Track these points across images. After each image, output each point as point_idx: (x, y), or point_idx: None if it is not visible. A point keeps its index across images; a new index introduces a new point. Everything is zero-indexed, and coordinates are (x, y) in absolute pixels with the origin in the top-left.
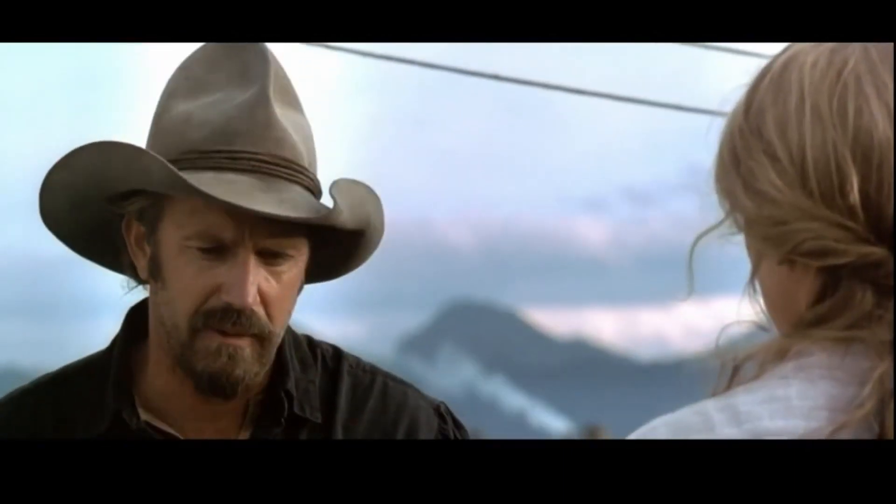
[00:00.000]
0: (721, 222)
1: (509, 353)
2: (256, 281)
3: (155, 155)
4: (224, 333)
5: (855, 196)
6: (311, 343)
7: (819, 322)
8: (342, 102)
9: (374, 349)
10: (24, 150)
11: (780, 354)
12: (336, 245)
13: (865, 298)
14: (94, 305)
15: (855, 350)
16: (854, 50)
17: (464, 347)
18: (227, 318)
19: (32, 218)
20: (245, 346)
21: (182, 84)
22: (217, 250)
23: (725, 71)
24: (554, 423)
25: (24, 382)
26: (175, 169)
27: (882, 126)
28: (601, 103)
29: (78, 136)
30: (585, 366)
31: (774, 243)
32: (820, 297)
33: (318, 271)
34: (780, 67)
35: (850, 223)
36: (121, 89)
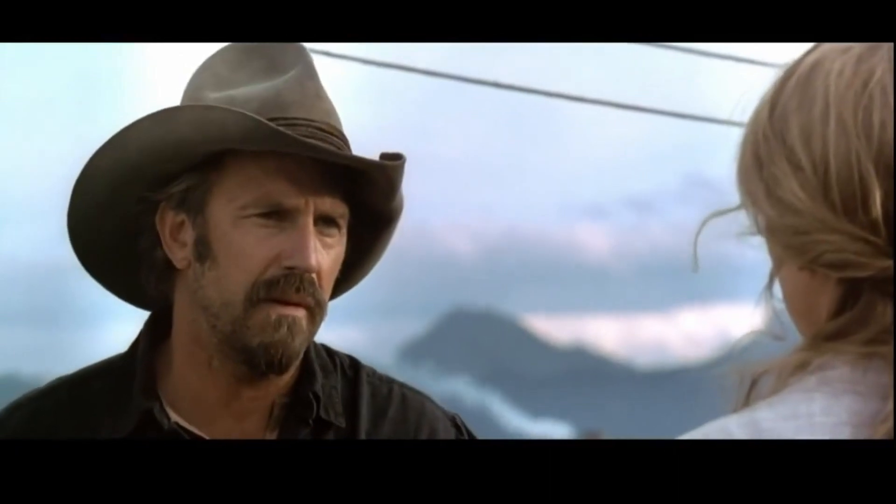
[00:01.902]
0: (736, 208)
1: (509, 360)
2: (316, 248)
3: (227, 107)
4: (283, 303)
5: (878, 210)
6: (329, 351)
7: (839, 335)
8: (342, 110)
9: (374, 357)
10: (28, 156)
11: (801, 367)
12: (363, 232)
13: (886, 313)
14: (98, 313)
15: (876, 365)
16: (882, 58)
17: (464, 355)
18: (289, 284)
19: (36, 223)
20: (302, 316)
21: (209, 80)
22: (276, 216)
23: (726, 79)
24: (554, 431)
25: (25, 390)
26: (255, 116)
27: None
28: (602, 111)
29: (78, 138)
30: (586, 373)
31: (795, 252)
32: (840, 309)
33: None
34: (807, 71)
35: (871, 237)
36: (121, 89)
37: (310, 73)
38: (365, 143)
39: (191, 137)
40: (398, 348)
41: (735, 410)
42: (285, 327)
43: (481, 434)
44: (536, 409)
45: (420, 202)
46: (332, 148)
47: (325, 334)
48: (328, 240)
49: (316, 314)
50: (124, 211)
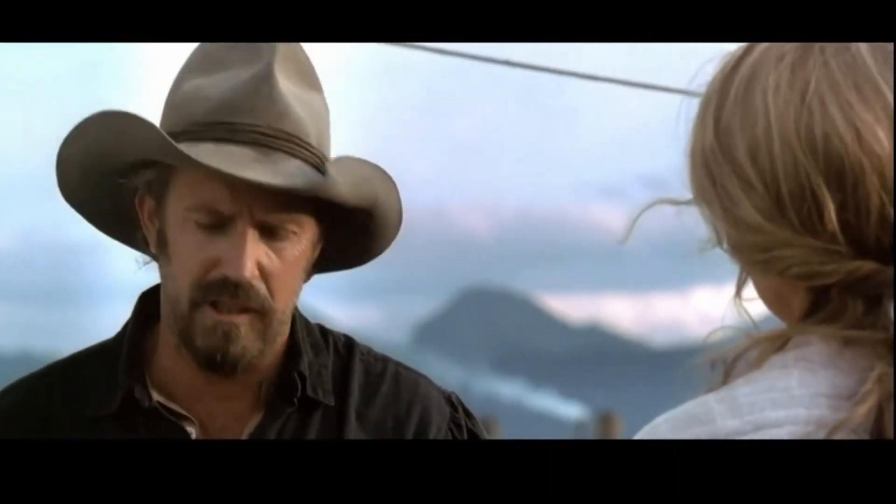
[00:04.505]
0: (686, 201)
1: (524, 339)
2: (255, 255)
3: (148, 122)
4: (219, 309)
5: (834, 224)
6: (324, 331)
7: (816, 324)
8: (354, 89)
9: (389, 336)
10: (45, 130)
11: (780, 345)
12: (348, 227)
13: (857, 308)
14: (108, 291)
15: (855, 347)
16: (815, 65)
17: (478, 334)
18: (224, 290)
19: (51, 202)
20: (242, 322)
21: (199, 60)
22: (216, 225)
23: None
24: (568, 410)
25: (37, 367)
26: (167, 136)
27: (851, 147)
28: (615, 89)
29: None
30: (600, 352)
31: (760, 267)
32: (812, 310)
33: (338, 258)
34: (744, 85)
35: (833, 247)
36: (120, 89)
37: (267, 74)
38: (377, 123)
39: (128, 144)
40: (412, 327)
41: (712, 389)
42: (220, 333)
43: (493, 413)
44: (551, 389)
45: (433, 181)
46: (278, 150)
47: (340, 313)
48: (279, 244)
49: (265, 318)
50: (108, 189)
